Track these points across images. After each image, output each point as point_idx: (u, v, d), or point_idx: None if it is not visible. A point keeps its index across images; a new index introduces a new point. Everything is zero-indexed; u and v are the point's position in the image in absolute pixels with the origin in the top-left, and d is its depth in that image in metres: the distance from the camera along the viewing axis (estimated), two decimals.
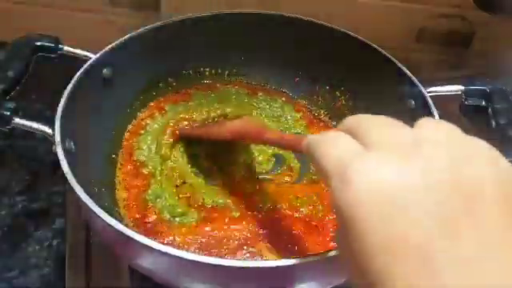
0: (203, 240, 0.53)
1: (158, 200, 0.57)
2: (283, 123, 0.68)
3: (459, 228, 0.25)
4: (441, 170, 0.26)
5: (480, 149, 0.28)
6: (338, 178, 0.28)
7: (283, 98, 0.71)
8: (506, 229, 0.25)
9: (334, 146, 0.31)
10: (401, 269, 0.25)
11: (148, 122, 0.66)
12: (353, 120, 0.33)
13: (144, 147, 0.63)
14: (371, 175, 0.27)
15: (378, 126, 0.30)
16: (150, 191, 0.58)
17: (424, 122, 0.30)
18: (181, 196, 0.58)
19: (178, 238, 0.53)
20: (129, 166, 0.61)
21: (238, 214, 0.56)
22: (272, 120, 0.68)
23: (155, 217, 0.56)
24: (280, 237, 0.54)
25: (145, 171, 0.60)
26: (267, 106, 0.70)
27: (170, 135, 0.64)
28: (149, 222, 0.55)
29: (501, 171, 0.27)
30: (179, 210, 0.56)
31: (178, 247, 0.52)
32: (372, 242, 0.26)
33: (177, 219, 0.55)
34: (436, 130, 0.29)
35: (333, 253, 0.40)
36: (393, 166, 0.27)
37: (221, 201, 0.57)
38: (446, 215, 0.25)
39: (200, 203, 0.57)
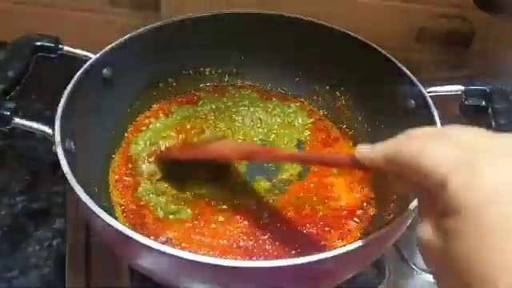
0: (198, 237, 0.53)
1: (151, 196, 0.57)
2: (292, 128, 0.68)
3: None
4: None
5: None
6: (461, 175, 0.29)
7: (297, 104, 0.71)
8: None
9: (440, 149, 0.32)
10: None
11: (152, 120, 0.66)
12: (430, 130, 0.35)
13: (140, 143, 0.63)
14: (501, 172, 0.29)
15: (478, 134, 0.33)
16: (140, 188, 0.58)
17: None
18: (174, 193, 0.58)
19: (173, 235, 0.54)
20: (123, 162, 0.61)
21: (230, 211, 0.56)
22: (283, 126, 0.68)
23: (149, 214, 0.56)
24: (277, 235, 0.54)
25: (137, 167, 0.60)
26: (281, 112, 0.69)
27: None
28: (143, 220, 0.55)
29: None
30: (172, 207, 0.56)
31: (174, 244, 0.52)
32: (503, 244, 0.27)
33: (171, 216, 0.55)
34: None
35: (332, 253, 0.40)
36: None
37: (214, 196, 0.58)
38: None
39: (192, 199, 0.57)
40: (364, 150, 0.39)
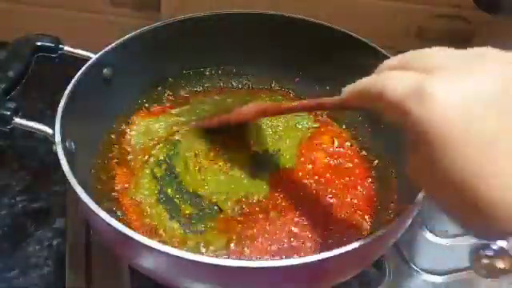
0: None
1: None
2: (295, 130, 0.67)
3: None
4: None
5: None
6: (416, 100, 0.31)
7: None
8: None
9: (398, 78, 0.33)
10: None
11: (152, 121, 0.66)
12: (397, 58, 0.36)
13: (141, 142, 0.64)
14: (451, 89, 0.30)
15: (432, 53, 0.34)
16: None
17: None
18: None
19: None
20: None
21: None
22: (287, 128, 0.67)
23: None
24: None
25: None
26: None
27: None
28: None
29: None
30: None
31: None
32: (462, 151, 0.30)
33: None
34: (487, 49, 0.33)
35: (332, 253, 0.40)
36: (467, 80, 0.31)
37: None
38: None
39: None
40: (345, 89, 0.41)
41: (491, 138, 0.30)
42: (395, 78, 0.33)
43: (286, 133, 0.67)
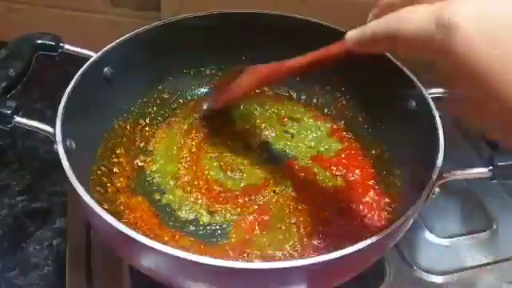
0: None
1: None
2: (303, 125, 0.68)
3: None
4: None
5: None
6: (439, 32, 0.30)
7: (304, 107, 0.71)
8: None
9: (412, 12, 0.33)
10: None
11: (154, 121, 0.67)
12: None
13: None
14: (474, 17, 0.30)
15: None
16: None
17: None
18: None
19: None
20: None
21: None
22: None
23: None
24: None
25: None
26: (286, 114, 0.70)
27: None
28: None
29: None
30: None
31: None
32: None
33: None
34: None
35: (332, 255, 0.40)
36: (487, 4, 0.30)
37: None
38: None
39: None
40: (349, 35, 0.40)
41: None
42: (409, 13, 0.33)
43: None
